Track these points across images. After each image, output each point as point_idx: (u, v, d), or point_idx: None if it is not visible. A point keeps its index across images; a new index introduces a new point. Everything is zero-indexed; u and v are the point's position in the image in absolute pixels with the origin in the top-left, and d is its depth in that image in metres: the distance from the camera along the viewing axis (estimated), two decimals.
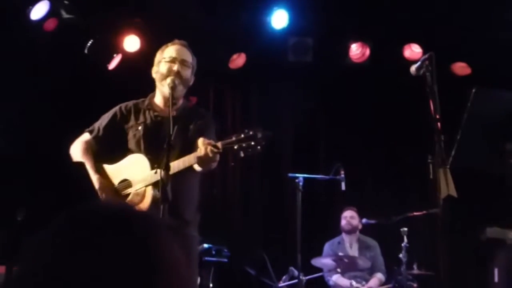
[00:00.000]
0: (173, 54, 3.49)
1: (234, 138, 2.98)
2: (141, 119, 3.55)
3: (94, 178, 3.45)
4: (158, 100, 3.58)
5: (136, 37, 6.54)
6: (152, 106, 3.56)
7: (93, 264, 0.91)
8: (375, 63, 6.79)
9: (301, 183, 5.43)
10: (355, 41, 6.73)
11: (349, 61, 6.78)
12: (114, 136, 3.58)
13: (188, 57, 3.53)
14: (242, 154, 2.98)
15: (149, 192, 3.30)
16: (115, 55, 6.55)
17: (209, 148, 3.02)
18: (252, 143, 2.94)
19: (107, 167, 3.54)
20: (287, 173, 5.73)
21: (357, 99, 7.21)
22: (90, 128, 3.65)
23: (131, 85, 6.54)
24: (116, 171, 3.49)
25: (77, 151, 3.56)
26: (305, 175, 5.54)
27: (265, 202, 7.12)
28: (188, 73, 3.51)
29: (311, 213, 6.23)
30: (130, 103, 3.65)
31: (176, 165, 3.14)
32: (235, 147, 2.97)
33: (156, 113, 3.54)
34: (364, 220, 6.14)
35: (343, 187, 5.65)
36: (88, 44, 6.35)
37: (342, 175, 5.65)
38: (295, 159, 7.16)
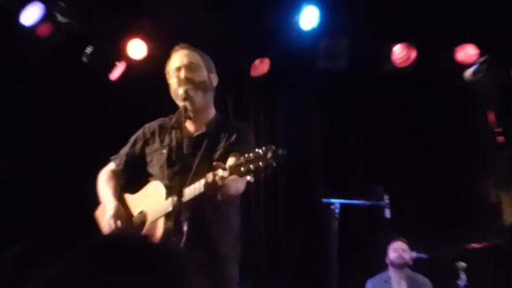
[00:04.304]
0: (177, 63, 3.60)
1: (242, 159, 2.97)
2: (167, 140, 3.64)
3: (111, 205, 3.54)
4: None
5: (142, 42, 6.59)
6: (179, 124, 3.60)
7: None
8: (422, 67, 6.74)
9: (337, 210, 5.41)
10: (399, 42, 6.71)
11: (391, 66, 6.75)
12: (137, 163, 3.73)
13: (194, 57, 3.62)
14: (251, 179, 2.98)
15: (161, 224, 3.34)
16: (118, 63, 6.61)
17: (219, 173, 3.05)
18: (261, 165, 2.90)
19: (129, 197, 3.65)
20: (320, 199, 5.71)
21: (400, 110, 7.17)
22: (115, 156, 3.84)
23: (138, 98, 6.63)
24: (136, 201, 3.58)
25: (101, 180, 3.76)
26: (342, 201, 5.52)
27: (295, 232, 7.08)
28: (201, 74, 3.59)
29: (349, 245, 6.17)
30: (155, 123, 3.77)
31: (188, 192, 3.19)
32: (242, 169, 2.95)
33: (184, 133, 3.59)
34: (414, 254, 6.06)
35: (387, 214, 5.60)
36: (87, 51, 6.42)
37: (386, 201, 5.60)
38: (330, 181, 7.13)
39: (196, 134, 3.59)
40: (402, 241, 6.26)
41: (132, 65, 6.61)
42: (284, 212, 7.22)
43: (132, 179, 3.77)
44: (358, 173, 7.28)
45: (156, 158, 3.64)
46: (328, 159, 7.27)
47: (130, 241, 1.12)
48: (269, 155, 2.90)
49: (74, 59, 6.39)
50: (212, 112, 3.70)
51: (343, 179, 7.09)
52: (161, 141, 3.67)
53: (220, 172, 3.04)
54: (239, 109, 7.39)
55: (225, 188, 3.16)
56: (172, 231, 3.11)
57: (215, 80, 3.69)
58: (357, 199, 6.01)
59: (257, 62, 7.01)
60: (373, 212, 6.37)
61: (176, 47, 3.68)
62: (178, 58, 3.62)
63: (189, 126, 3.62)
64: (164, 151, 3.59)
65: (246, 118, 7.35)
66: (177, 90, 3.53)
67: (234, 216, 3.62)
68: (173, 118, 3.67)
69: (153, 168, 3.64)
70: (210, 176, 3.07)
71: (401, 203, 6.65)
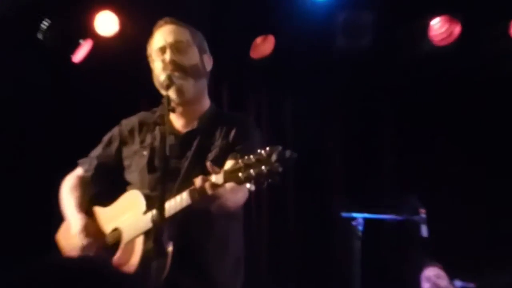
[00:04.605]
0: (160, 42, 3.61)
1: (241, 163, 2.93)
2: (148, 139, 3.66)
3: (76, 219, 3.57)
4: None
5: (113, 15, 6.55)
6: (164, 119, 3.57)
7: None
8: (468, 46, 6.71)
9: (360, 227, 5.40)
10: (438, 14, 6.66)
11: (428, 44, 6.71)
12: (112, 169, 3.76)
13: (183, 34, 3.64)
14: (252, 187, 2.93)
15: (139, 245, 3.33)
16: (82, 41, 6.57)
17: (211, 179, 3.02)
18: (264, 169, 2.85)
19: (100, 211, 3.67)
20: (339, 212, 5.69)
21: (440, 100, 7.14)
22: (83, 159, 3.86)
23: (108, 85, 6.58)
24: (109, 216, 3.60)
25: (64, 190, 3.78)
26: (366, 215, 5.53)
27: (306, 256, 7.07)
28: (192, 55, 3.60)
29: (376, 271, 6.15)
30: (134, 119, 3.80)
31: (173, 204, 3.18)
32: (241, 175, 2.91)
33: (170, 129, 3.58)
34: (458, 284, 6.04)
35: (423, 232, 5.60)
36: (43, 26, 6.38)
37: (423, 215, 5.59)
38: (350, 191, 7.13)
39: (185, 131, 3.60)
40: (436, 266, 6.26)
41: (100, 43, 6.57)
42: (293, 229, 7.24)
43: (105, 189, 3.79)
44: (387, 180, 7.27)
45: (135, 161, 3.64)
46: (349, 162, 7.28)
47: (87, 267, 1.19)
48: (274, 157, 2.85)
49: (26, 36, 6.35)
50: (206, 103, 3.71)
51: (368, 187, 7.08)
52: (142, 141, 3.68)
53: (212, 178, 3.00)
54: (236, 100, 7.41)
55: (220, 200, 3.13)
56: (152, 254, 3.08)
57: (209, 63, 3.71)
58: (385, 213, 5.99)
59: (258, 40, 6.97)
60: (405, 229, 6.34)
61: (160, 22, 3.67)
62: (162, 36, 3.61)
63: (177, 121, 3.64)
64: (145, 153, 3.61)
65: (245, 112, 7.32)
66: (160, 76, 3.53)
67: (234, 233, 3.65)
68: (157, 112, 3.67)
69: (131, 175, 3.65)
70: (198, 182, 3.03)
71: (441, 218, 6.61)
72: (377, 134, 7.38)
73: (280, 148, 2.87)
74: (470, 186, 7.06)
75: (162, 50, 3.56)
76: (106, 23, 6.59)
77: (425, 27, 6.71)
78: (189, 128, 3.58)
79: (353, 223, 5.46)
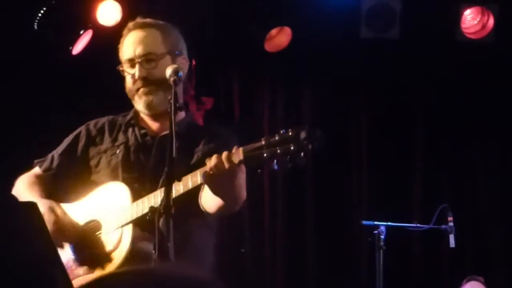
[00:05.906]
0: (129, 53, 3.67)
1: (263, 142, 2.97)
2: (121, 138, 3.72)
3: (42, 205, 3.48)
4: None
5: (116, 3, 6.59)
6: (137, 121, 3.68)
7: None
8: (503, 40, 6.72)
9: (382, 236, 5.43)
10: (471, 4, 6.69)
11: (460, 36, 6.72)
12: (75, 168, 3.78)
13: (154, 43, 3.68)
14: (276, 167, 2.97)
15: (126, 237, 3.39)
16: (82, 31, 6.62)
17: (223, 155, 3.06)
18: (292, 147, 2.88)
19: (67, 207, 3.66)
20: (360, 220, 5.71)
21: (473, 99, 7.14)
22: (41, 159, 3.85)
23: (109, 79, 6.61)
24: (80, 210, 3.62)
25: (20, 188, 3.76)
26: (390, 223, 5.55)
27: (323, 265, 7.05)
28: (162, 67, 3.57)
29: (399, 284, 6.17)
30: (104, 119, 3.85)
31: (177, 187, 3.23)
32: (265, 154, 2.95)
33: (143, 131, 3.72)
34: None
35: (452, 243, 5.59)
36: (40, 15, 6.43)
37: (451, 224, 5.59)
38: (373, 197, 7.13)
39: (162, 133, 3.66)
40: (477, 280, 6.22)
41: (101, 34, 6.59)
42: (310, 238, 7.19)
43: (66, 191, 3.81)
44: (412, 186, 7.25)
45: (106, 160, 3.70)
46: (372, 167, 7.26)
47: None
48: (302, 135, 2.89)
49: (22, 25, 6.41)
50: (180, 113, 3.67)
51: (391, 193, 7.07)
52: (113, 140, 3.75)
53: (232, 157, 3.04)
54: (248, 98, 7.35)
55: (235, 181, 3.16)
56: (148, 254, 3.14)
57: (184, 67, 3.72)
58: (409, 221, 6.01)
59: (273, 32, 6.96)
60: (431, 239, 6.36)
61: (129, 25, 3.74)
62: (131, 46, 3.67)
63: (153, 123, 3.76)
64: (118, 151, 3.68)
65: (258, 110, 7.33)
66: (133, 91, 3.64)
67: (208, 243, 3.67)
68: (129, 114, 3.81)
69: (99, 174, 3.70)
70: (214, 160, 3.06)
71: (474, 227, 6.63)
72: (404, 136, 7.34)
73: (307, 126, 2.92)
74: (504, 198, 7.08)
75: (131, 63, 3.64)
76: (108, 12, 6.57)
77: (457, 18, 6.64)
78: (166, 132, 3.51)
79: (375, 232, 5.44)
